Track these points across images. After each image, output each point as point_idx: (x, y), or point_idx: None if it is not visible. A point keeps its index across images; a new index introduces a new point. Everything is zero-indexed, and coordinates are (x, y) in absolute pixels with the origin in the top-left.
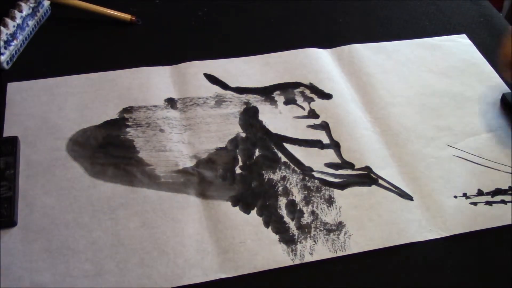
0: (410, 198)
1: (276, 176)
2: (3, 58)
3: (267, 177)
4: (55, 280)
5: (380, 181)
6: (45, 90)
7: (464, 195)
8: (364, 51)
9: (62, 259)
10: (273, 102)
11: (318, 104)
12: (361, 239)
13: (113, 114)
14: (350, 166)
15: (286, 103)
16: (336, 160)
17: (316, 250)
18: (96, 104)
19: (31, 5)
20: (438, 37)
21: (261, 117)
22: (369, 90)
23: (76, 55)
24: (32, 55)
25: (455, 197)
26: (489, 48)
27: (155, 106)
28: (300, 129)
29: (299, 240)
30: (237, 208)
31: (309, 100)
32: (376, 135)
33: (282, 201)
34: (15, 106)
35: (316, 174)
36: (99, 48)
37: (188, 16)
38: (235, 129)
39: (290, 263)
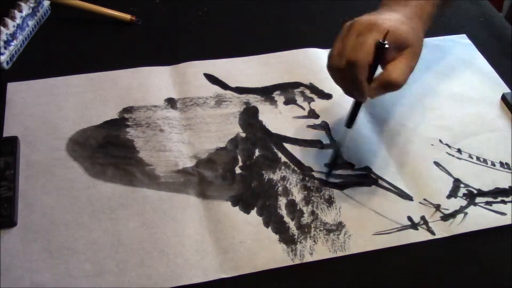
0: (410, 198)
1: (276, 176)
2: (3, 58)
3: (267, 177)
4: (55, 280)
5: (380, 181)
6: (45, 90)
7: (464, 195)
8: None
9: (62, 259)
10: (273, 102)
11: (318, 104)
12: (361, 239)
13: (113, 114)
14: (350, 166)
15: (286, 103)
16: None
17: (316, 250)
18: (96, 104)
19: (31, 5)
20: (438, 37)
21: (261, 117)
22: None
23: (76, 55)
24: (32, 55)
25: (455, 197)
26: (489, 48)
27: (155, 106)
28: (300, 129)
29: (299, 240)
30: (237, 208)
31: (309, 100)
32: (376, 135)
33: (282, 201)
34: (15, 106)
35: (316, 174)
36: (99, 48)
37: (188, 16)
38: (235, 129)
39: (290, 263)
